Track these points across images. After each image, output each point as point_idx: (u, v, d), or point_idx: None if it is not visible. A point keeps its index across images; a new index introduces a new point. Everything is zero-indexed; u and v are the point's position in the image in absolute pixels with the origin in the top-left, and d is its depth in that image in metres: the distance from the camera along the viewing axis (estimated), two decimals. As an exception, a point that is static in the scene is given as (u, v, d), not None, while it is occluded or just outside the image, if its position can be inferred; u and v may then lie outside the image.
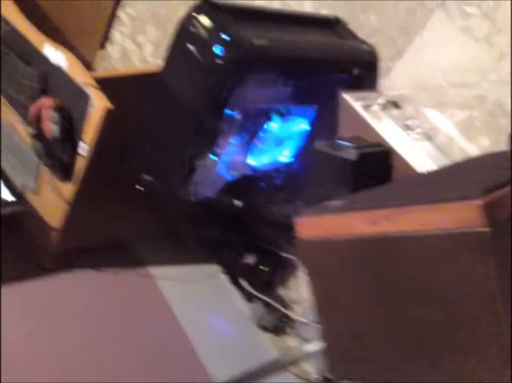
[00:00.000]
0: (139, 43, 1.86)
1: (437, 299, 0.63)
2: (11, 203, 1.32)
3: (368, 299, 0.71)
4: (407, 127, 1.26)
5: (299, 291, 1.55)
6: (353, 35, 1.38)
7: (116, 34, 1.91)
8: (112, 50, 1.94)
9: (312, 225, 0.71)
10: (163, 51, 1.77)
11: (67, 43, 1.73)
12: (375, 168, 1.12)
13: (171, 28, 1.73)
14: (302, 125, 1.36)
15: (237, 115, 1.21)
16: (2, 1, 1.41)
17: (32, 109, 1.23)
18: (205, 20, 1.11)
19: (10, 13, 1.39)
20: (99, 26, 1.89)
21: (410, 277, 0.65)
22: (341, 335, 0.75)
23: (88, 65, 1.67)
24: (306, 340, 1.43)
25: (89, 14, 1.84)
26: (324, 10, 1.42)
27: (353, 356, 0.76)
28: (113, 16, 1.88)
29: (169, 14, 1.74)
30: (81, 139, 1.22)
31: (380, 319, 0.72)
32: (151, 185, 1.28)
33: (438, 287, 0.63)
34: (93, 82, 1.20)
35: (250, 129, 1.29)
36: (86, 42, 1.89)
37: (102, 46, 1.92)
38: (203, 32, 1.11)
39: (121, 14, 1.88)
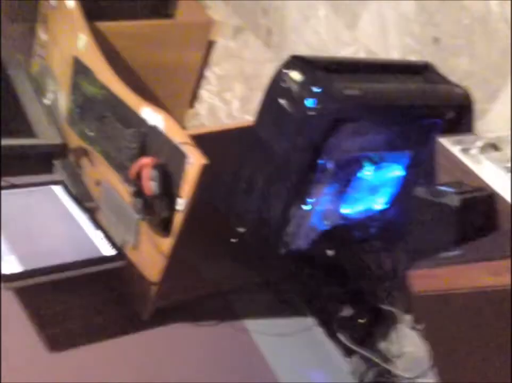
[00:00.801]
0: (226, 100, 1.92)
1: None
2: (112, 258, 1.37)
3: (490, 354, 0.67)
4: (509, 170, 1.20)
5: (401, 344, 1.48)
6: (444, 79, 1.36)
7: (204, 92, 2.00)
8: (200, 107, 2.03)
9: (427, 278, 0.68)
10: (249, 106, 1.84)
11: (158, 103, 1.83)
12: (479, 214, 1.08)
13: (257, 85, 1.80)
14: (396, 172, 1.34)
15: (330, 165, 1.21)
16: (98, 67, 1.51)
17: (133, 168, 1.29)
18: (295, 75, 1.14)
19: (107, 77, 1.49)
20: (188, 87, 1.98)
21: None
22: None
23: (179, 123, 1.74)
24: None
25: (178, 75, 1.94)
26: (413, 57, 1.41)
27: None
28: (201, 76, 1.97)
29: (255, 71, 1.80)
30: (179, 195, 1.26)
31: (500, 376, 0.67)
32: (246, 238, 1.29)
33: None
34: (189, 140, 1.25)
35: (344, 178, 1.28)
36: (176, 101, 1.99)
37: (191, 104, 2.01)
38: (294, 86, 1.13)
39: (208, 73, 1.97)
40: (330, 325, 1.57)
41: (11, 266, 1.23)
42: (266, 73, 1.75)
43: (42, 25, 1.85)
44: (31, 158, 1.70)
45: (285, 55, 1.67)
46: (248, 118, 1.83)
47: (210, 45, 1.95)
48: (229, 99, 1.92)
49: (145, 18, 1.86)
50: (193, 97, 2.02)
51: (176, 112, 1.98)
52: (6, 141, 1.63)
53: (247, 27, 1.81)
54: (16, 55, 1.94)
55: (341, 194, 1.30)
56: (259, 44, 1.78)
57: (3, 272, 1.21)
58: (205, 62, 1.96)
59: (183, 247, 1.31)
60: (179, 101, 2.01)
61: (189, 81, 1.99)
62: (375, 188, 1.34)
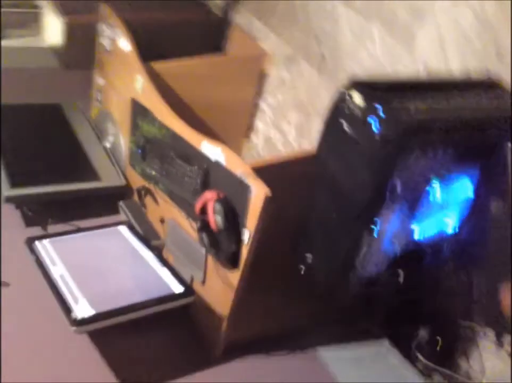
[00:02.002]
0: (282, 129, 1.92)
1: None
2: (181, 295, 1.36)
3: None
4: None
5: (483, 360, 1.40)
6: (508, 93, 1.31)
7: (259, 123, 2.00)
8: (256, 138, 2.03)
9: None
10: (306, 134, 1.83)
11: (216, 137, 1.85)
12: None
13: (312, 112, 1.79)
14: (466, 186, 1.29)
15: (399, 187, 1.18)
16: (156, 107, 1.54)
17: (198, 204, 1.29)
18: (357, 99, 1.12)
19: (165, 117, 1.51)
20: (244, 119, 2.00)
21: None
22: None
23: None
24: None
25: (233, 108, 1.96)
26: (475, 74, 1.37)
27: None
28: (255, 108, 1.98)
29: (310, 99, 1.80)
30: (245, 227, 1.24)
31: None
32: (315, 268, 1.26)
33: None
34: (251, 172, 1.24)
35: (412, 197, 1.24)
36: (232, 134, 2.00)
37: (247, 136, 2.01)
38: (357, 112, 1.11)
39: (262, 104, 1.98)
40: (407, 347, 1.51)
41: (83, 309, 1.24)
42: (322, 100, 1.76)
43: (99, 70, 1.91)
44: (96, 201, 1.75)
45: (340, 79, 1.68)
46: (305, 146, 1.83)
47: (263, 76, 1.96)
48: (285, 128, 1.91)
49: (198, 55, 1.89)
50: (249, 129, 2.03)
51: (233, 145, 1.99)
52: (72, 186, 1.68)
53: (300, 56, 1.82)
54: (75, 101, 2.02)
55: (411, 215, 1.25)
56: (313, 72, 1.77)
57: (77, 316, 1.22)
58: (259, 93, 1.97)
59: (252, 281, 1.29)
60: (235, 134, 2.03)
61: (244, 113, 2.00)
62: (446, 206, 1.29)
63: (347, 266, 1.23)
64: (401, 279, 1.28)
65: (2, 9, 3.25)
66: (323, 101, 1.76)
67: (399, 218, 1.22)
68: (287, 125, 1.90)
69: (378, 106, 1.08)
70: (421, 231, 1.27)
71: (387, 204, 1.18)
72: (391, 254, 1.26)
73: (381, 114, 1.07)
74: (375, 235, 1.20)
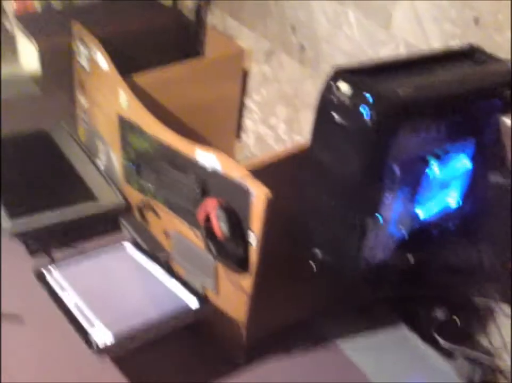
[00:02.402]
0: (272, 125, 1.91)
1: None
2: (197, 307, 1.36)
3: None
4: None
5: (503, 335, 1.41)
6: (493, 58, 1.30)
7: (248, 121, 1.99)
8: (246, 137, 2.02)
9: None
10: (296, 127, 1.83)
11: (207, 141, 1.84)
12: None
13: (299, 103, 1.79)
14: (463, 162, 1.29)
15: (396, 169, 1.17)
16: (143, 120, 1.53)
17: (200, 213, 1.29)
18: (344, 86, 1.11)
19: (154, 129, 1.50)
20: (232, 119, 1.99)
21: None
22: None
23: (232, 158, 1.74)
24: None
25: (220, 110, 1.95)
26: (455, 42, 1.36)
27: None
28: (242, 106, 1.97)
29: (295, 90, 1.79)
30: (250, 230, 1.24)
31: None
32: (324, 261, 1.27)
33: None
34: (248, 175, 1.23)
35: (412, 179, 1.24)
36: (222, 136, 2.00)
37: (238, 136, 2.01)
38: (346, 101, 1.10)
39: (248, 102, 1.97)
40: (425, 330, 1.51)
41: (101, 334, 1.24)
42: (307, 90, 1.75)
43: (80, 90, 1.89)
44: (96, 221, 1.74)
45: (322, 68, 1.67)
46: (298, 139, 1.82)
47: (245, 74, 1.95)
48: (274, 123, 1.90)
49: (176, 61, 1.88)
50: (239, 128, 2.02)
51: (224, 146, 1.99)
52: (70, 210, 1.67)
53: (278, 49, 1.80)
54: (60, 124, 2.00)
55: (413, 197, 1.25)
56: (294, 62, 1.76)
57: (98, 342, 1.22)
58: (243, 91, 1.96)
59: (264, 282, 1.29)
60: (225, 135, 2.02)
61: (232, 113, 1.99)
62: (446, 184, 1.29)
63: (356, 255, 1.23)
64: (411, 261, 1.28)
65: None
66: (308, 91, 1.75)
67: (402, 202, 1.21)
68: (276, 120, 1.89)
69: (366, 93, 1.07)
70: (425, 210, 1.27)
71: (388, 189, 1.18)
72: (399, 237, 1.26)
73: (370, 100, 1.07)
74: (379, 221, 1.20)
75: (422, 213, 1.29)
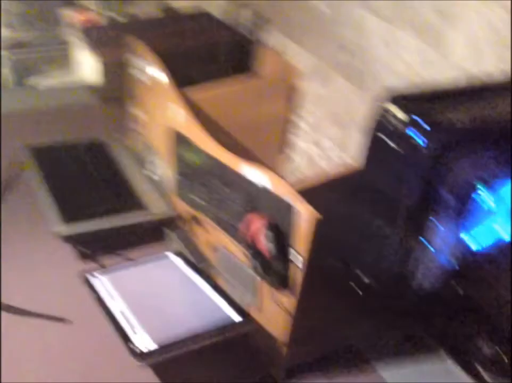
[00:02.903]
0: (321, 144, 1.92)
1: None
2: (240, 323, 1.37)
3: None
4: None
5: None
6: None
7: (298, 140, 2.00)
8: (295, 155, 2.03)
9: None
10: (345, 147, 1.83)
11: (256, 158, 1.86)
12: None
13: (350, 124, 1.79)
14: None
15: (448, 198, 1.16)
16: (196, 135, 1.55)
17: (248, 231, 1.30)
18: (398, 112, 1.11)
19: (206, 144, 1.53)
20: (281, 136, 2.00)
21: None
22: None
23: (281, 176, 1.75)
24: None
25: (269, 126, 1.97)
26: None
27: None
28: (291, 124, 1.99)
29: (346, 110, 1.79)
30: (295, 251, 1.25)
31: None
32: (371, 288, 1.26)
33: None
34: (298, 195, 1.24)
35: (464, 209, 1.22)
36: (271, 152, 2.02)
37: (286, 154, 2.02)
38: (399, 126, 1.10)
39: (298, 120, 1.98)
40: (470, 363, 1.47)
41: (144, 342, 1.27)
42: (359, 111, 1.75)
43: (135, 102, 1.95)
44: (144, 230, 1.78)
45: (376, 90, 1.67)
46: (348, 160, 1.82)
47: (297, 92, 1.96)
48: (324, 143, 1.91)
49: (229, 77, 1.91)
50: (288, 146, 2.03)
51: (273, 164, 2.01)
52: (119, 217, 1.72)
53: (332, 69, 1.81)
54: (113, 134, 2.06)
55: (465, 227, 1.23)
56: (348, 84, 1.76)
57: (140, 349, 1.24)
58: (293, 109, 1.97)
59: (308, 303, 1.29)
60: (273, 152, 2.04)
61: (282, 131, 2.01)
62: (500, 215, 1.26)
63: (403, 282, 1.22)
64: (460, 293, 1.26)
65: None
66: (361, 113, 1.75)
67: (453, 231, 1.20)
68: (326, 139, 1.90)
69: (420, 119, 1.07)
70: (477, 242, 1.24)
71: (439, 216, 1.16)
72: (448, 267, 1.24)
73: (424, 126, 1.07)
74: (429, 248, 1.19)
75: (474, 244, 1.27)
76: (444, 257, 1.24)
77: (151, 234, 1.79)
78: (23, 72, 3.60)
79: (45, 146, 1.97)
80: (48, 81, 3.45)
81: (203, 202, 1.58)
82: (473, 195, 1.23)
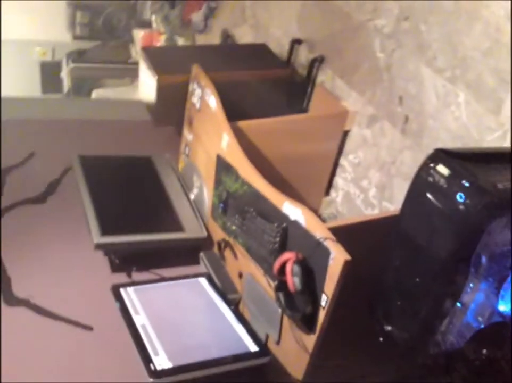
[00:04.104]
0: (363, 187, 1.92)
1: None
2: (257, 354, 1.37)
3: None
4: None
5: None
6: None
7: (340, 180, 2.01)
8: (335, 195, 2.04)
9: None
10: (387, 193, 1.83)
11: (296, 194, 1.88)
12: None
13: (394, 172, 1.79)
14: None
15: (483, 259, 1.14)
16: (240, 164, 1.59)
17: (277, 264, 1.31)
18: (442, 168, 1.11)
19: (248, 174, 1.56)
20: (324, 175, 2.02)
21: None
22: None
23: (315, 212, 1.77)
24: None
25: (314, 165, 1.99)
26: None
27: None
28: (336, 165, 2.00)
29: (392, 158, 1.79)
30: (322, 291, 1.25)
31: None
32: (393, 337, 1.24)
33: None
34: (330, 235, 1.25)
35: (498, 272, 1.20)
36: (312, 190, 2.03)
37: (327, 192, 2.03)
38: (441, 181, 1.10)
39: (343, 161, 2.00)
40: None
41: (162, 361, 1.28)
42: (404, 160, 1.75)
43: (188, 126, 2.01)
44: (177, 250, 1.81)
45: (423, 142, 1.67)
46: (387, 206, 1.81)
47: (345, 133, 1.98)
48: (366, 186, 1.91)
49: (281, 114, 1.95)
50: (329, 185, 2.04)
51: (312, 200, 2.02)
52: (157, 236, 1.76)
53: (383, 116, 1.83)
54: (164, 154, 2.12)
55: (496, 290, 1.21)
56: (396, 131, 1.77)
57: (156, 367, 1.26)
58: (340, 151, 1.99)
59: (328, 344, 1.28)
60: (315, 190, 2.05)
61: (325, 170, 2.02)
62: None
63: (428, 335, 1.20)
64: (484, 354, 1.23)
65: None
66: (406, 162, 1.75)
67: (484, 292, 1.18)
68: (368, 183, 1.90)
69: (464, 179, 1.07)
70: (507, 306, 1.22)
71: (472, 276, 1.15)
72: (476, 328, 1.21)
73: (467, 186, 1.06)
74: (458, 305, 1.17)
75: (504, 307, 1.24)
76: (472, 318, 1.22)
77: (186, 256, 1.82)
78: (86, 82, 3.77)
79: (96, 157, 2.04)
80: (109, 92, 3.60)
81: (237, 229, 1.60)
82: (508, 261, 1.22)
